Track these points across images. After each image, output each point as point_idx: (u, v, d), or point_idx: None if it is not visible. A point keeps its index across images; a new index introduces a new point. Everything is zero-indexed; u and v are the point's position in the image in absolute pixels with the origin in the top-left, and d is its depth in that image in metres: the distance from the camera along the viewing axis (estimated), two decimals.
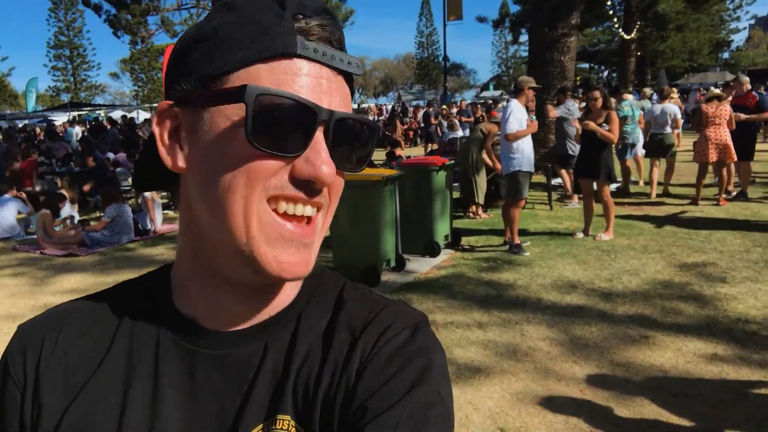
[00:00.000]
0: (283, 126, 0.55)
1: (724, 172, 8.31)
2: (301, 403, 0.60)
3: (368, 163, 0.64)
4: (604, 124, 6.43)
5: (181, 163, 0.60)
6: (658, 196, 9.15)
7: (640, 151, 9.72)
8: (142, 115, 30.20)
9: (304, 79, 0.56)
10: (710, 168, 8.47)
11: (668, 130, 9.19)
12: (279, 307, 0.66)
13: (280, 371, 0.62)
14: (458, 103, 23.91)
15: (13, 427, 0.64)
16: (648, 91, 9.93)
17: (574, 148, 8.52)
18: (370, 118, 0.67)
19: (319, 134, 0.56)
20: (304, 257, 0.59)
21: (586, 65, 45.06)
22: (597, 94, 6.66)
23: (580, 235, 6.93)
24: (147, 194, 8.70)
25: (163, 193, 11.05)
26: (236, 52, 0.56)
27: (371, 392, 0.58)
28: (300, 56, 0.56)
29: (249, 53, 0.56)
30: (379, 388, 0.58)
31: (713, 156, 8.11)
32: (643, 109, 10.02)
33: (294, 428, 0.60)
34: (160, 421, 0.61)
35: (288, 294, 0.67)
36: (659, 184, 9.27)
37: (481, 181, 8.17)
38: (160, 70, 29.13)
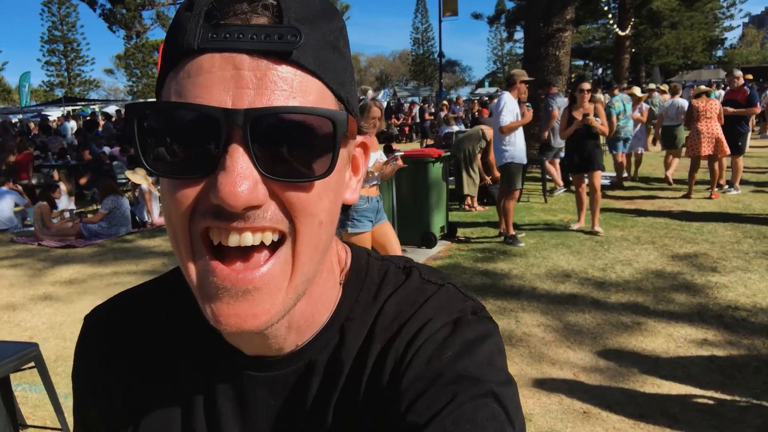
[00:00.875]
0: (183, 142, 0.46)
1: (716, 166, 8.42)
2: (349, 424, 0.58)
3: (333, 166, 0.49)
4: (597, 118, 6.48)
5: None
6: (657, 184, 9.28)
7: (641, 147, 9.90)
8: None
9: (206, 78, 0.45)
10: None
11: (677, 122, 9.51)
12: (320, 322, 0.61)
13: (326, 391, 0.59)
14: (455, 99, 23.99)
15: (90, 414, 0.67)
16: (638, 90, 10.02)
17: (554, 139, 8.75)
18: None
19: (233, 145, 0.45)
20: (245, 308, 0.48)
21: (581, 62, 45.21)
22: (587, 85, 6.63)
23: (575, 225, 6.98)
24: (144, 186, 8.74)
25: (160, 186, 11.07)
26: (162, 65, 0.51)
27: (412, 404, 0.52)
28: (204, 50, 0.46)
29: (165, 63, 0.49)
30: (418, 398, 0.52)
31: (706, 149, 8.22)
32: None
33: None
34: None
35: (329, 304, 0.61)
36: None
37: (474, 174, 8.29)
38: (155, 65, 29.04)
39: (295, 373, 0.60)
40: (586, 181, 6.77)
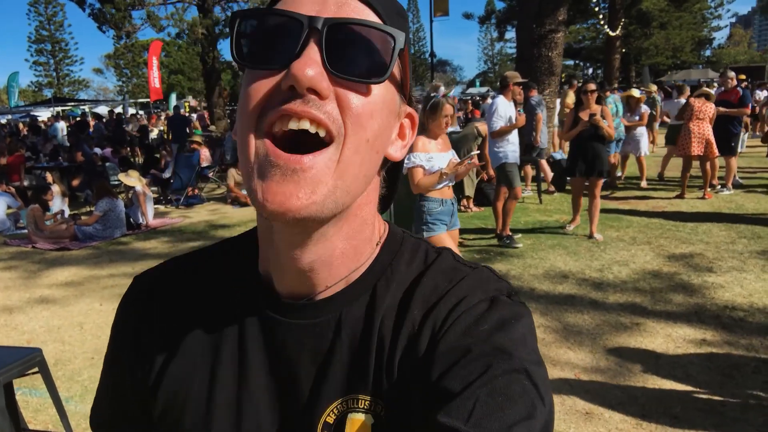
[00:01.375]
0: (270, 41, 0.55)
1: (708, 166, 8.49)
2: (379, 384, 0.60)
3: (386, 74, 0.56)
4: (604, 120, 6.27)
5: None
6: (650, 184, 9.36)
7: (645, 151, 9.74)
8: (129, 112, 29.95)
9: (299, 0, 0.55)
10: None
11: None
12: (352, 277, 0.64)
13: (356, 347, 0.61)
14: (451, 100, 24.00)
15: (128, 368, 0.70)
16: (636, 92, 9.80)
17: (540, 139, 8.72)
18: None
19: (311, 44, 0.53)
20: (291, 188, 0.53)
21: (571, 62, 45.44)
22: (593, 86, 6.41)
23: (571, 226, 6.94)
24: (138, 188, 8.70)
25: (154, 188, 11.04)
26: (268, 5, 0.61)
27: (446, 372, 0.54)
28: None
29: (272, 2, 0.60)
30: (452, 366, 0.54)
31: (696, 149, 8.30)
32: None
33: (372, 410, 0.60)
34: (247, 385, 0.64)
35: (357, 264, 0.64)
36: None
37: (472, 174, 8.29)
38: (145, 64, 28.82)
39: (324, 326, 0.62)
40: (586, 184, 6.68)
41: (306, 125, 0.53)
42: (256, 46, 0.56)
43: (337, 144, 0.54)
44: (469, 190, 8.40)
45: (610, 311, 4.53)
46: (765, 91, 16.21)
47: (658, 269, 5.48)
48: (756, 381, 3.40)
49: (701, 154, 8.31)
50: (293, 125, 0.53)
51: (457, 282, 0.63)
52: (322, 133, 0.54)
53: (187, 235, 8.13)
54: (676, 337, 4.00)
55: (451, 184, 4.18)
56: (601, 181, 6.54)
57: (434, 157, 4.06)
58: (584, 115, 6.29)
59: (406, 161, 3.92)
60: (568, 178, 7.07)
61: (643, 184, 9.64)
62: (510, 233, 6.55)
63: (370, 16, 0.56)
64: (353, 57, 0.54)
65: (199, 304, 0.68)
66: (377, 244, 0.67)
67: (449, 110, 4.10)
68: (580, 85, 7.14)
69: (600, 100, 6.38)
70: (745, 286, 4.90)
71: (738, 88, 8.45)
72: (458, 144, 8.38)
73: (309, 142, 0.54)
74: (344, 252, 0.62)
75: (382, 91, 0.58)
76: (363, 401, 0.60)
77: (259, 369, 0.63)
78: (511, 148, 6.39)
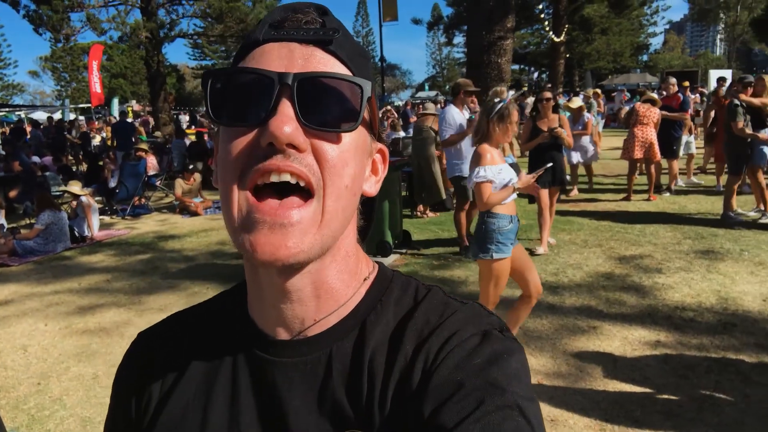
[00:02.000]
0: (243, 98, 0.57)
1: (653, 169, 8.81)
2: (371, 419, 0.60)
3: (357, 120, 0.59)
4: (562, 129, 6.10)
5: (216, 181, 0.65)
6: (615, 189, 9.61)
7: (592, 158, 9.72)
8: (69, 117, 28.76)
9: (266, 56, 0.58)
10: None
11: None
12: (340, 315, 0.65)
13: (347, 383, 0.62)
14: (405, 104, 24.18)
15: (125, 417, 0.71)
16: (576, 102, 9.45)
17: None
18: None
19: (282, 99, 0.55)
20: (279, 239, 0.55)
21: (516, 66, 46.52)
22: (549, 94, 6.29)
23: (540, 250, 6.29)
24: (83, 199, 8.35)
25: (99, 197, 10.62)
26: (234, 61, 0.64)
27: (439, 407, 0.55)
28: (266, 41, 0.59)
29: (237, 58, 0.62)
30: (445, 402, 0.55)
31: (638, 153, 8.61)
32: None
33: None
34: (238, 425, 0.64)
35: (344, 299, 0.66)
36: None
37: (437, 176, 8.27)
38: (85, 68, 27.75)
39: (315, 361, 0.63)
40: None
41: (287, 177, 0.56)
42: (230, 104, 0.58)
43: (318, 196, 0.58)
44: (429, 198, 8.39)
45: (567, 315, 4.61)
46: (697, 95, 16.96)
47: (610, 271, 5.63)
48: (709, 380, 3.52)
49: (643, 157, 8.62)
50: (275, 178, 0.56)
51: (449, 316, 0.63)
52: (302, 183, 0.57)
53: (135, 248, 7.84)
54: (632, 340, 4.11)
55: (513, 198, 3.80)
56: (557, 191, 6.47)
57: (503, 169, 3.75)
58: (542, 125, 6.17)
59: (474, 176, 3.70)
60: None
61: (574, 192, 9.58)
62: (467, 244, 6.58)
63: (335, 66, 0.59)
64: (325, 108, 0.57)
65: (195, 352, 0.69)
66: (365, 280, 0.69)
67: (517, 116, 3.86)
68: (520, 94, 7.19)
69: (557, 108, 6.28)
70: (693, 286, 5.09)
71: (679, 94, 8.81)
72: (420, 150, 8.37)
73: (287, 188, 0.57)
74: (330, 284, 0.64)
75: (354, 136, 0.61)
76: None
77: (251, 410, 0.64)
78: (466, 161, 6.22)
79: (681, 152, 8.03)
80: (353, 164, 0.60)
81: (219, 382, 0.66)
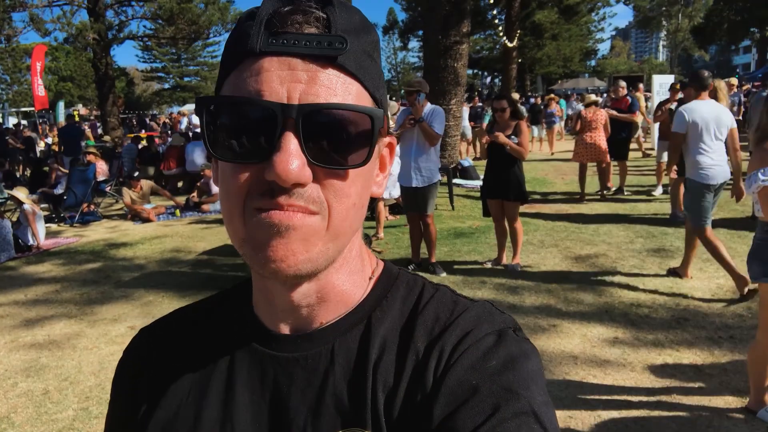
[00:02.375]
0: (244, 131, 0.53)
1: (605, 170, 9.07)
2: (377, 418, 0.57)
3: (369, 158, 0.55)
4: (512, 137, 5.54)
5: (216, 181, 0.62)
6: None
7: None
8: (10, 121, 27.55)
9: (266, 76, 0.52)
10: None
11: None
12: (344, 310, 0.63)
13: (351, 380, 0.60)
14: None
15: (123, 414, 0.69)
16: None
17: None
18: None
19: (287, 133, 0.51)
20: (290, 246, 0.53)
21: (470, 71, 47.26)
22: (505, 103, 5.71)
23: (489, 264, 6.05)
24: (27, 207, 7.99)
25: (44, 204, 10.20)
26: (224, 65, 0.57)
27: (454, 412, 0.53)
28: (265, 53, 0.53)
29: (229, 64, 0.56)
30: (460, 406, 0.53)
31: (588, 156, 8.89)
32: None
33: None
34: (231, 423, 0.62)
35: (355, 296, 0.64)
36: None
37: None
38: (27, 70, 26.68)
39: (316, 358, 0.61)
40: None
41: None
42: (229, 136, 0.54)
43: (323, 216, 0.55)
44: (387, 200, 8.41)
45: (528, 314, 4.68)
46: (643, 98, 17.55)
47: (567, 271, 5.75)
48: (665, 374, 3.62)
49: (592, 160, 8.89)
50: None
51: (460, 314, 0.61)
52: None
53: (84, 256, 7.55)
54: (591, 337, 4.20)
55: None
56: (518, 207, 5.83)
57: None
58: (497, 135, 5.55)
59: (762, 177, 3.01)
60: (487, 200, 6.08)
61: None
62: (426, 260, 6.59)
63: (343, 85, 0.54)
64: (333, 143, 0.53)
65: (193, 347, 0.68)
66: (370, 278, 0.67)
67: None
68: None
69: (516, 114, 5.74)
70: (646, 283, 5.25)
71: (627, 97, 9.11)
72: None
73: None
74: (339, 287, 0.63)
75: None
76: None
77: (246, 406, 0.62)
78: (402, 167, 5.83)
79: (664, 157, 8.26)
80: (361, 182, 0.57)
81: (215, 377, 0.64)
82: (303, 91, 0.52)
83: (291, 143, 0.51)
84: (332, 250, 0.57)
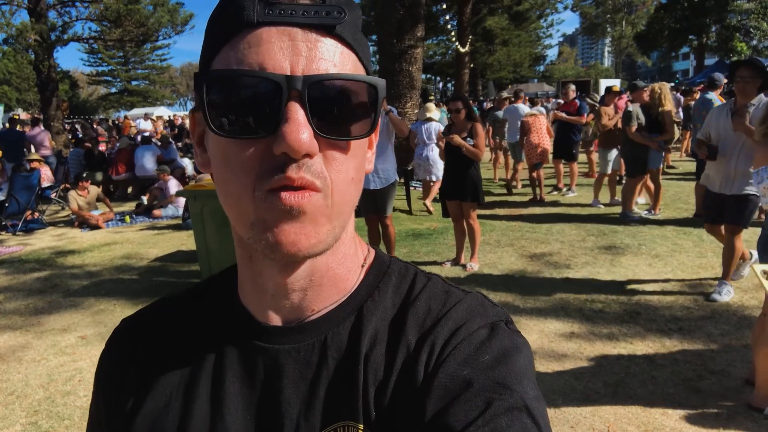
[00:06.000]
0: (247, 105, 0.51)
1: (557, 170, 9.33)
2: (369, 410, 0.57)
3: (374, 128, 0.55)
4: (468, 138, 5.48)
5: (205, 166, 0.60)
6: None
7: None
8: None
9: (267, 48, 0.51)
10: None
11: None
12: (335, 300, 0.62)
13: (343, 372, 0.59)
14: None
15: (107, 409, 0.67)
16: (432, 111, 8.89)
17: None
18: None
19: (293, 104, 0.50)
20: (300, 229, 0.52)
21: (423, 76, 47.73)
22: (460, 104, 5.65)
23: (448, 264, 6.12)
24: None
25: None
26: (214, 37, 0.55)
27: (446, 407, 0.53)
28: (262, 24, 0.51)
29: (221, 36, 0.54)
30: (453, 401, 0.53)
31: (535, 159, 9.20)
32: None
33: None
34: (222, 417, 0.61)
35: (346, 285, 0.63)
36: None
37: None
38: None
39: (308, 348, 0.60)
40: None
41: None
42: (232, 111, 0.52)
43: (325, 194, 0.54)
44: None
45: None
46: (589, 100, 18.10)
47: (523, 268, 5.86)
48: (620, 366, 3.74)
49: (538, 162, 9.22)
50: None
51: (452, 306, 0.61)
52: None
53: (30, 265, 7.23)
54: (548, 332, 4.29)
55: None
56: (475, 208, 5.81)
57: None
58: (452, 137, 5.52)
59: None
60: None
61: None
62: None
63: (342, 55, 0.54)
64: (338, 114, 0.53)
65: (179, 339, 0.66)
66: (362, 266, 0.66)
67: None
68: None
69: (471, 116, 5.65)
70: (599, 279, 5.40)
71: (576, 100, 9.38)
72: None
73: None
74: (334, 271, 0.62)
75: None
76: (352, 429, 0.57)
77: (236, 399, 0.61)
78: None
79: (608, 168, 8.48)
80: (359, 156, 0.58)
81: (204, 369, 0.63)
82: (306, 62, 0.51)
83: (299, 114, 0.50)
84: (337, 228, 0.56)
